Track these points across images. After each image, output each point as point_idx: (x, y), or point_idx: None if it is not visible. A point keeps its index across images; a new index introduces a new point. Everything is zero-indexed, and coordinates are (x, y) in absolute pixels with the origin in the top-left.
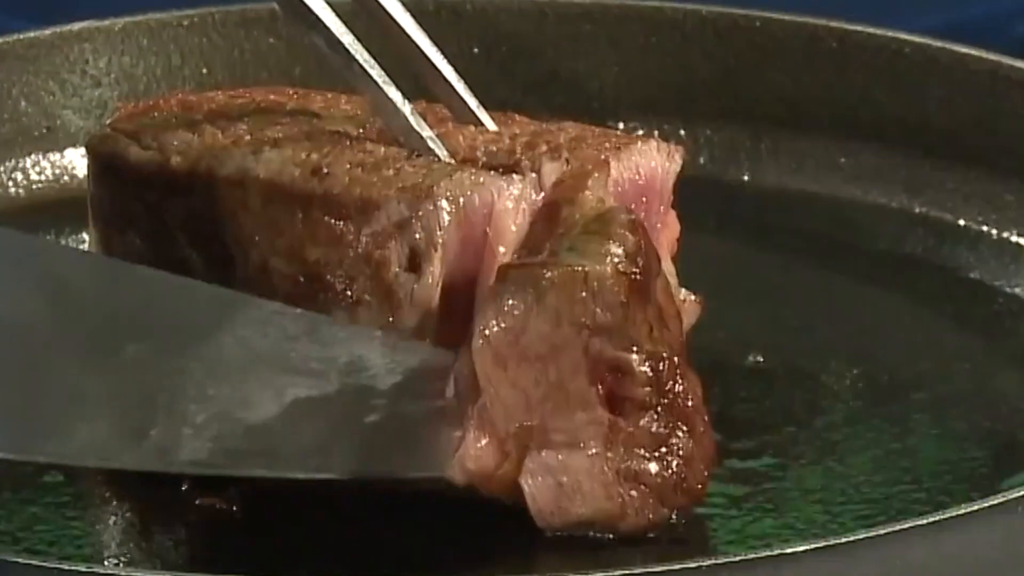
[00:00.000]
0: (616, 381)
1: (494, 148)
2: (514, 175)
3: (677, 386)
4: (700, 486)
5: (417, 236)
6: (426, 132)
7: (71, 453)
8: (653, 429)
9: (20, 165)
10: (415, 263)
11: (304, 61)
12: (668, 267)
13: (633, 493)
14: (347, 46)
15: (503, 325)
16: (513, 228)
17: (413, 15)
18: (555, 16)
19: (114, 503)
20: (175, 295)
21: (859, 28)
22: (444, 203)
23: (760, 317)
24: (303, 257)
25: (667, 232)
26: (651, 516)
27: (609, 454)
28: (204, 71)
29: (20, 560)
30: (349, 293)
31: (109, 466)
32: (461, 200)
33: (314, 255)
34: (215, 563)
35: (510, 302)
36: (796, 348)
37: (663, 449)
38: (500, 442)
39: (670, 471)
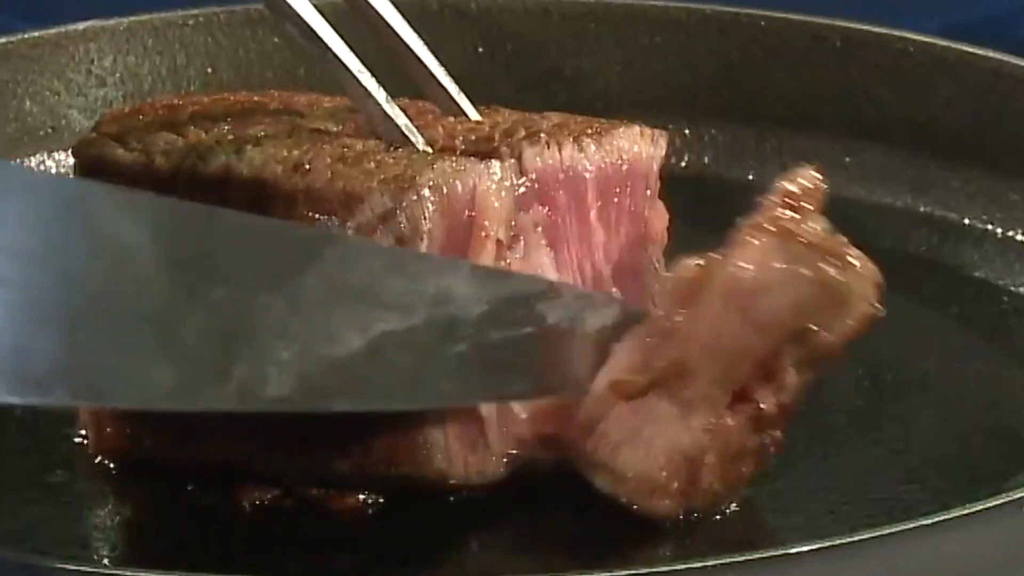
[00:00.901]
0: (759, 386)
1: (473, 136)
2: (493, 160)
3: (783, 422)
4: (720, 508)
5: (402, 226)
6: (401, 120)
7: (153, 397)
8: (747, 444)
9: (25, 164)
10: None
11: (308, 60)
12: (658, 254)
13: (678, 483)
14: (321, 36)
15: (750, 269)
16: (496, 205)
17: (417, 14)
18: (559, 15)
19: (118, 503)
20: (256, 236)
21: (864, 27)
22: (427, 192)
23: None
24: None
25: (655, 221)
26: (670, 510)
27: (698, 438)
28: (209, 70)
29: (25, 560)
30: None
31: (191, 409)
32: (444, 188)
33: None
34: (220, 563)
35: (775, 263)
36: None
37: (734, 465)
38: (645, 362)
39: (719, 485)
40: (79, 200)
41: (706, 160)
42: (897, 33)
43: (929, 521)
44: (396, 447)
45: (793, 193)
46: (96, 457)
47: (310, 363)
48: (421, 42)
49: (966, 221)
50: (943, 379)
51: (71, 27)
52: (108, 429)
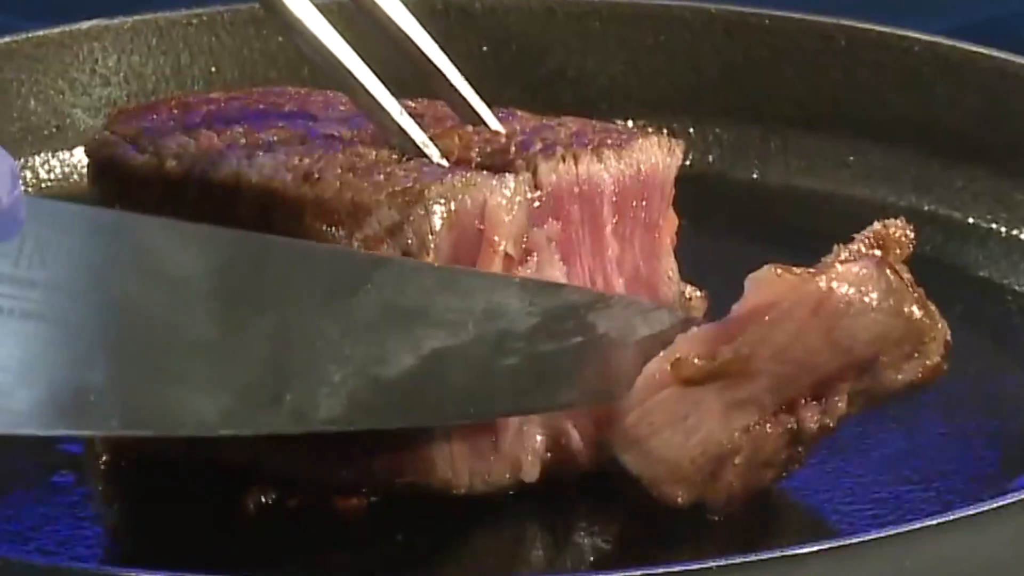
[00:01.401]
0: (808, 403)
1: (488, 148)
2: (507, 174)
3: (816, 443)
4: (729, 508)
5: (409, 241)
6: (419, 137)
7: (207, 424)
8: (778, 454)
9: (29, 164)
10: None
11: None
12: (671, 262)
13: (701, 476)
14: (331, 50)
15: (848, 284)
16: (506, 220)
17: (422, 14)
18: (564, 14)
19: (123, 503)
20: (306, 260)
21: (868, 27)
22: (435, 207)
23: None
24: None
25: (668, 227)
26: (683, 501)
27: (736, 438)
28: (213, 70)
29: (31, 561)
30: None
31: (245, 433)
32: (452, 204)
33: None
34: (225, 563)
35: (871, 290)
36: None
37: (758, 472)
38: (711, 351)
39: (738, 487)
40: (125, 230)
41: (711, 159)
42: (901, 33)
43: (935, 522)
44: (401, 457)
45: (886, 236)
46: (101, 457)
47: (362, 383)
48: (436, 46)
49: (970, 220)
50: (947, 379)
51: (75, 26)
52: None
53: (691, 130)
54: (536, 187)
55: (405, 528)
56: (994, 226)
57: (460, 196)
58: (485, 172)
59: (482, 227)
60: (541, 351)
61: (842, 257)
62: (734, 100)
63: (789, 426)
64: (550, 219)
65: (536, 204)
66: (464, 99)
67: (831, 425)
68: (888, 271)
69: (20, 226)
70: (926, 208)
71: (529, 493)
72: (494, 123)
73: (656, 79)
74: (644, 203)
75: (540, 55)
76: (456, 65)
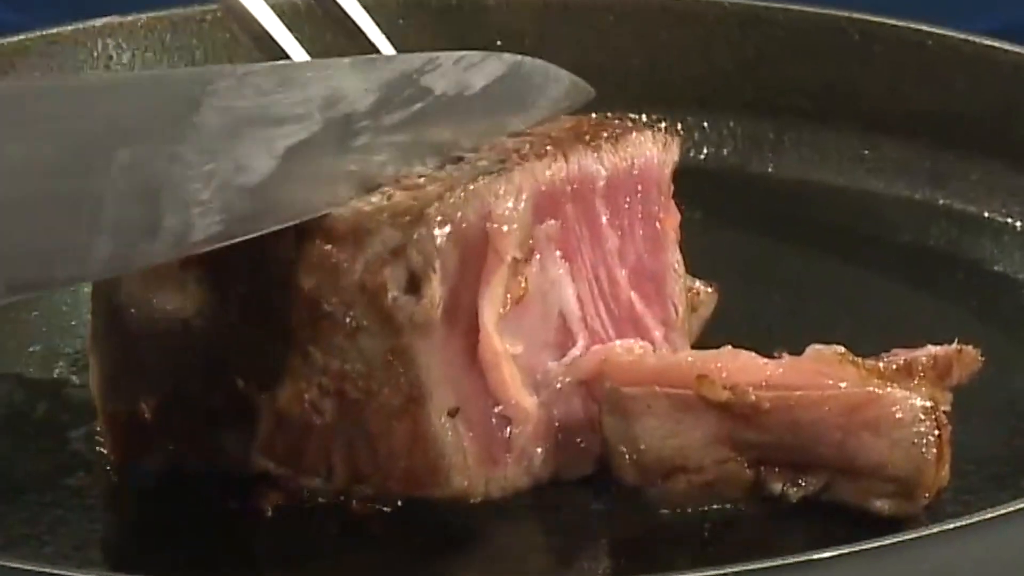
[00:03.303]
0: (786, 470)
1: (484, 150)
2: (507, 177)
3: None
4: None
5: (414, 260)
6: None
7: (91, 269)
8: (735, 495)
9: None
10: (414, 285)
11: (324, 55)
12: (676, 255)
13: (657, 471)
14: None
15: (892, 408)
16: (509, 229)
17: (436, 9)
18: (578, 9)
19: (138, 506)
20: (144, 91)
21: (882, 20)
22: (437, 227)
23: (781, 309)
24: (298, 285)
25: (670, 220)
26: (630, 481)
27: (710, 463)
28: None
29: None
30: (348, 320)
31: (131, 269)
32: (455, 221)
33: (309, 283)
34: (240, 567)
35: (907, 419)
36: (818, 340)
37: (707, 497)
38: (748, 387)
39: (682, 498)
40: None
41: (725, 153)
42: (915, 26)
43: (952, 526)
44: (415, 471)
45: (957, 360)
46: (115, 460)
47: (230, 196)
48: (389, 44)
49: (985, 214)
50: None
51: (89, 23)
52: (127, 436)
53: (705, 124)
54: (533, 187)
55: (420, 529)
56: (1009, 220)
57: (462, 212)
58: (482, 177)
59: (487, 237)
60: (387, 124)
61: (907, 360)
62: (748, 94)
63: (758, 478)
64: (548, 217)
65: (533, 205)
66: None
67: (792, 499)
68: (933, 418)
69: None
70: (940, 202)
71: (538, 495)
72: None
73: (670, 73)
74: (640, 196)
75: (554, 50)
76: None
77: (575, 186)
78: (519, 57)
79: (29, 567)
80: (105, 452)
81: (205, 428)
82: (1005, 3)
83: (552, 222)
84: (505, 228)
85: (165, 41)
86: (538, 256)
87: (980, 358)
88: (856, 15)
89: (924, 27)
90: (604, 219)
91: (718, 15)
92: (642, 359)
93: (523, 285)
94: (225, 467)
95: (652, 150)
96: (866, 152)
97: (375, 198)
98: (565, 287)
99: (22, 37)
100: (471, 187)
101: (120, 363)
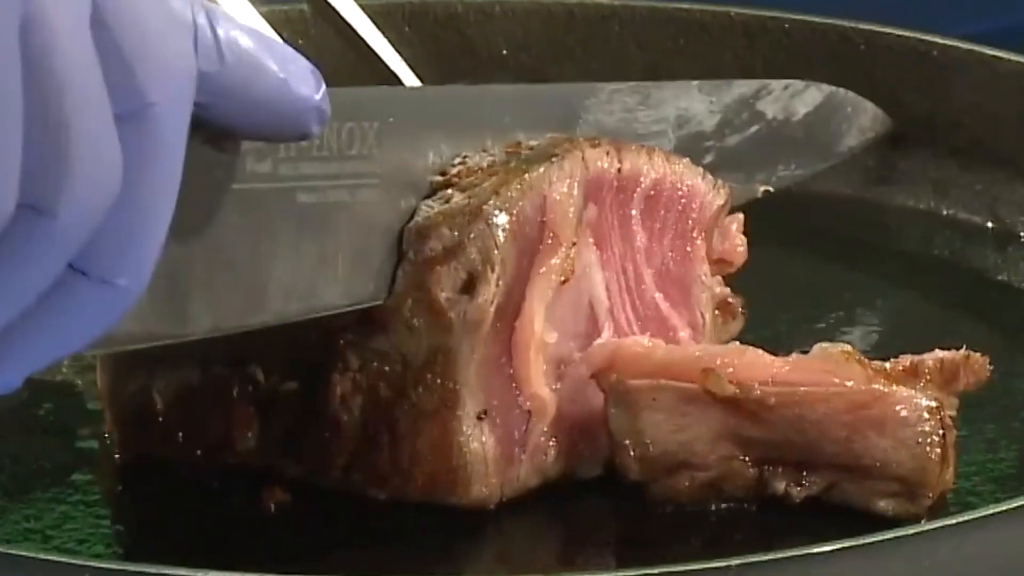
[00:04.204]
0: (791, 469)
1: (533, 143)
2: (560, 161)
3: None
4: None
5: (472, 258)
6: None
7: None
8: (738, 493)
9: None
10: (471, 284)
11: (331, 61)
12: (704, 269)
13: (662, 466)
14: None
15: (897, 407)
16: (570, 213)
17: (441, 17)
18: (583, 17)
19: (143, 502)
20: (527, 102)
21: (887, 30)
22: (496, 220)
23: (787, 319)
24: None
25: (702, 252)
26: (634, 476)
27: (714, 459)
28: None
29: (51, 558)
30: (398, 319)
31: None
32: (514, 210)
33: None
34: (246, 562)
35: (913, 418)
36: None
37: (710, 494)
38: (754, 384)
39: (687, 492)
40: None
41: None
42: (921, 36)
43: (954, 521)
44: (436, 476)
45: (965, 365)
46: (121, 455)
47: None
48: (391, 50)
49: (989, 224)
50: None
51: None
52: (132, 431)
53: None
54: (583, 173)
55: (426, 525)
56: (1013, 230)
57: (519, 205)
58: (535, 168)
59: (543, 225)
60: (729, 145)
61: (914, 362)
62: None
63: (761, 477)
64: (590, 203)
65: (584, 189)
66: None
67: (796, 499)
68: (938, 418)
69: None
70: (945, 212)
71: (544, 491)
72: None
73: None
74: (679, 213)
75: (560, 58)
76: (475, 67)
77: (619, 179)
78: (835, 88)
79: (34, 555)
80: (111, 447)
81: (219, 421)
82: (1007, 6)
83: (592, 206)
84: (563, 212)
85: None
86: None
87: (989, 366)
88: (862, 25)
89: (929, 37)
90: (637, 216)
91: (724, 24)
92: (650, 352)
93: (571, 266)
94: (234, 462)
95: (702, 185)
96: (870, 162)
97: (435, 202)
98: (595, 274)
99: None
100: (525, 178)
101: (134, 353)
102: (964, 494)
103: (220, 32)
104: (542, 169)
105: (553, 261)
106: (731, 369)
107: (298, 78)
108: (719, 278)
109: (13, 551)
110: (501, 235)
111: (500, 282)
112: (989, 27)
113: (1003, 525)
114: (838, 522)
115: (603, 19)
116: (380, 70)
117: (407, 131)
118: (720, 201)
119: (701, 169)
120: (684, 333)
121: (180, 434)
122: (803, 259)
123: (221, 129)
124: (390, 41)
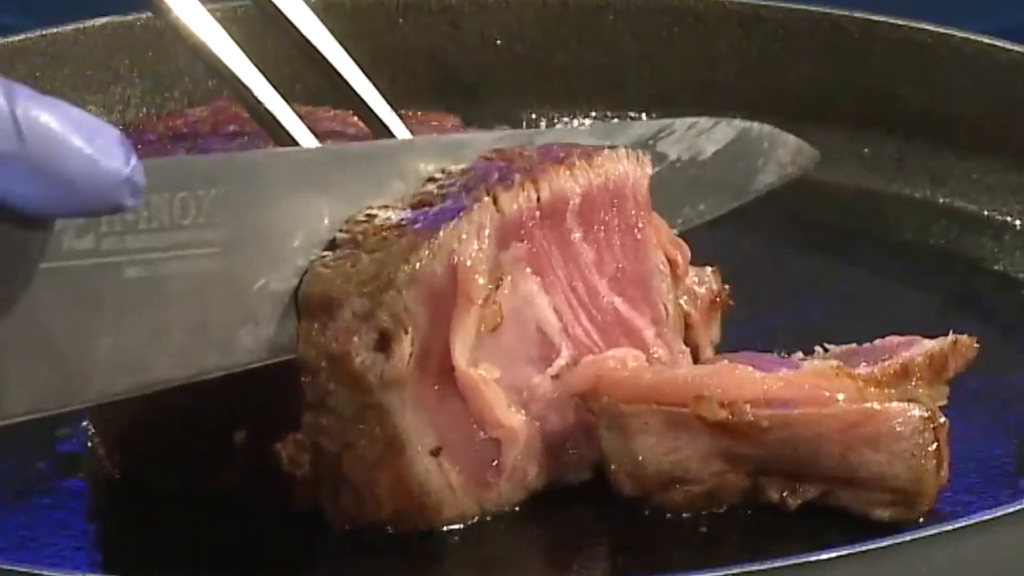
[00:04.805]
0: (784, 478)
1: (446, 184)
2: (467, 215)
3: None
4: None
5: (384, 322)
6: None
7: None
8: (733, 500)
9: None
10: (384, 343)
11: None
12: (659, 258)
13: (656, 483)
14: (218, 54)
15: (890, 422)
16: (481, 273)
17: (436, 8)
18: (577, 8)
19: (137, 509)
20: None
21: (882, 19)
22: (406, 289)
23: (783, 308)
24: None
25: (657, 233)
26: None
27: (707, 475)
28: None
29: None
30: (319, 385)
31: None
32: (424, 275)
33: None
34: (239, 569)
35: (906, 432)
36: (818, 339)
37: (706, 503)
38: (745, 405)
39: (683, 503)
40: None
41: None
42: (916, 25)
43: (951, 527)
44: (404, 510)
45: (952, 351)
46: (115, 463)
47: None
48: (344, 54)
49: (985, 213)
50: (961, 375)
51: (89, 23)
52: (118, 452)
53: None
54: (500, 213)
55: (416, 534)
56: (1009, 219)
57: (429, 269)
58: (447, 223)
59: (455, 282)
60: None
61: (903, 363)
62: (748, 93)
63: (756, 486)
64: (513, 242)
65: (498, 236)
66: (371, 110)
67: (790, 507)
68: (932, 428)
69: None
70: (941, 201)
71: (535, 499)
72: (404, 133)
73: (669, 73)
74: (616, 211)
75: (553, 48)
76: (469, 58)
77: (542, 208)
78: (749, 124)
79: (26, 570)
80: (102, 454)
81: (193, 466)
82: (1006, 5)
83: (518, 244)
84: (472, 272)
85: (166, 41)
86: (509, 278)
87: (975, 345)
88: (857, 14)
89: (925, 26)
90: (577, 235)
91: (719, 14)
92: (638, 374)
93: (498, 313)
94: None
95: (626, 166)
96: (866, 151)
97: (342, 263)
98: (539, 301)
99: (22, 37)
100: (435, 241)
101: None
102: (960, 492)
103: (19, 111)
104: (451, 227)
105: (470, 318)
106: (720, 390)
107: (105, 152)
108: (708, 272)
109: (8, 565)
110: (412, 303)
111: (415, 342)
112: (989, 27)
113: (999, 530)
114: (835, 525)
115: (597, 9)
116: (329, 74)
117: (266, 195)
118: (647, 168)
119: (616, 148)
120: (649, 332)
121: (164, 462)
122: (798, 247)
123: (28, 210)
124: (385, 34)
